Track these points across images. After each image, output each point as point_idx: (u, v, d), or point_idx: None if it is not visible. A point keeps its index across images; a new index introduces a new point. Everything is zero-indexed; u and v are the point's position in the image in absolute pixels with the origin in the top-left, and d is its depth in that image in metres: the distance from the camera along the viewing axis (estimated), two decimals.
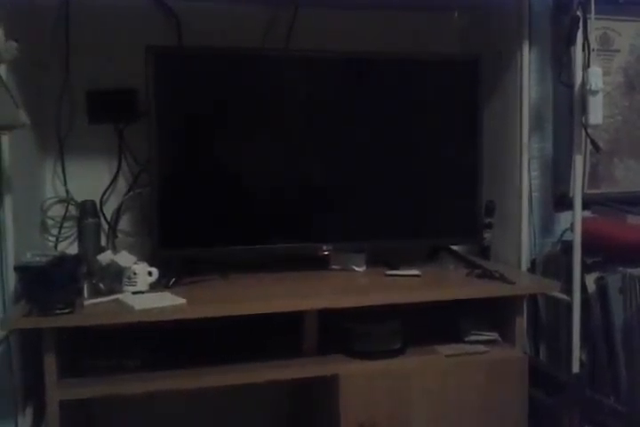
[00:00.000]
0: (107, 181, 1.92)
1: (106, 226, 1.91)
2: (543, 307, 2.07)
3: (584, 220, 1.88)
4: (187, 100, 1.77)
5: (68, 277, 1.52)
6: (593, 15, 1.81)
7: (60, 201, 1.89)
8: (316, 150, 1.88)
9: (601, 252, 1.93)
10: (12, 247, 1.56)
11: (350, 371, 1.62)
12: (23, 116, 1.47)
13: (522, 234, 1.95)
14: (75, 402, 1.53)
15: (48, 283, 1.47)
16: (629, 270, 1.82)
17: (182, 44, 1.91)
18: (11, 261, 1.56)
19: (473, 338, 1.77)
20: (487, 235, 2.02)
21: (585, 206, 1.93)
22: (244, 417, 2.03)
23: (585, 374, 1.88)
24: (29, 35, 1.73)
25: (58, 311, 1.43)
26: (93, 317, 1.47)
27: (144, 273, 1.62)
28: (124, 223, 1.94)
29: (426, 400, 1.66)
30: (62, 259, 1.57)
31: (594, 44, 1.84)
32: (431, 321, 1.82)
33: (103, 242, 1.85)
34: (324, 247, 1.85)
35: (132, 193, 1.93)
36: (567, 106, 2.02)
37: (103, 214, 1.90)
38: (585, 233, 1.86)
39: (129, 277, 1.60)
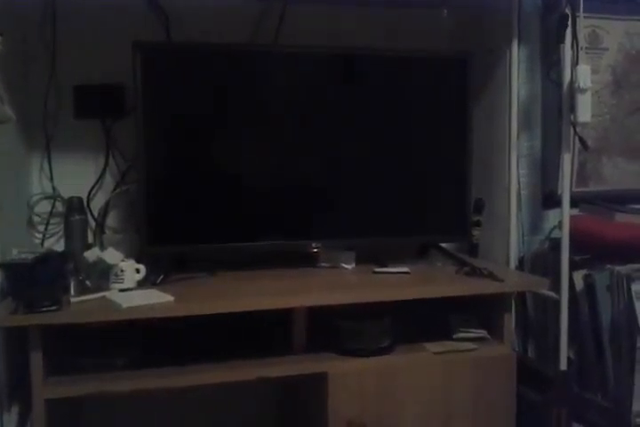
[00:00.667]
0: (94, 177, 1.91)
1: (93, 223, 1.89)
2: (531, 304, 2.07)
3: (572, 218, 1.89)
4: (174, 97, 1.76)
5: (54, 275, 1.52)
6: (582, 13, 1.82)
7: (47, 197, 1.88)
8: (304, 148, 1.87)
9: (589, 249, 1.94)
10: None
11: (339, 369, 1.62)
12: (9, 112, 1.46)
13: (510, 232, 1.96)
14: (62, 400, 1.51)
15: (34, 280, 1.46)
16: (617, 268, 1.83)
17: (170, 40, 1.90)
18: None
19: (461, 335, 1.78)
20: (476, 233, 2.03)
21: (573, 204, 1.93)
22: (233, 415, 2.03)
23: (573, 371, 1.89)
24: (16, 29, 1.71)
25: (44, 309, 1.42)
26: (80, 314, 1.46)
27: (131, 270, 1.61)
28: (111, 220, 1.93)
29: (414, 398, 1.66)
30: (48, 256, 1.56)
31: (582, 43, 1.85)
32: (420, 319, 1.82)
33: (90, 239, 1.84)
34: (314, 245, 1.85)
35: (119, 190, 1.92)
36: (556, 104, 2.02)
37: (90, 211, 1.88)
38: (573, 231, 1.86)
39: (116, 275, 1.59)
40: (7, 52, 1.48)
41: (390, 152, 1.91)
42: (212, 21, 1.92)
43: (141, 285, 1.63)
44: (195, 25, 1.90)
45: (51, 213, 1.87)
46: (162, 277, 1.68)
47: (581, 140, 1.93)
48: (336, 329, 1.70)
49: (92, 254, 1.59)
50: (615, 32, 2.25)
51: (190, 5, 1.91)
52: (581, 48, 1.83)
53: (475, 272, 1.78)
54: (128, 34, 1.77)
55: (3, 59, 1.52)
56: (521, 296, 2.06)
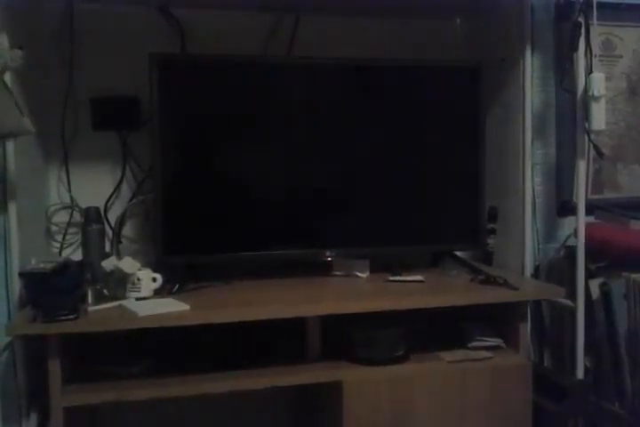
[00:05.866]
0: (111, 187, 1.93)
1: (110, 232, 1.91)
2: (547, 313, 2.06)
3: (587, 225, 1.88)
4: (190, 108, 1.78)
5: (72, 284, 1.53)
6: (595, 21, 1.82)
7: (65, 207, 1.90)
8: (318, 157, 1.88)
9: (604, 257, 1.93)
10: (16, 253, 1.57)
11: (354, 377, 1.62)
12: (28, 124, 1.48)
13: (525, 240, 1.95)
14: (79, 407, 1.53)
15: (52, 289, 1.48)
16: (633, 276, 1.82)
17: (185, 52, 1.92)
18: (15, 268, 1.57)
19: (476, 344, 1.77)
20: (490, 241, 2.02)
21: (588, 212, 1.93)
22: (247, 422, 2.03)
23: (589, 379, 1.88)
24: (34, 43, 1.74)
25: (62, 317, 1.43)
26: (97, 323, 1.47)
27: (148, 279, 1.63)
28: (128, 229, 1.95)
29: (429, 407, 1.65)
30: (66, 265, 1.57)
31: (596, 50, 1.85)
32: (434, 327, 1.82)
33: (107, 248, 1.86)
34: (328, 253, 1.86)
35: (135, 200, 1.94)
36: (570, 112, 2.03)
37: (107, 221, 1.90)
38: (588, 239, 1.86)
39: (133, 284, 1.61)
40: (26, 65, 1.51)
41: (404, 161, 1.92)
42: (226, 33, 1.94)
43: (158, 293, 1.64)
44: (209, 37, 1.93)
45: (68, 223, 1.90)
46: (178, 286, 1.69)
47: (596, 148, 1.93)
48: (350, 338, 1.70)
49: (109, 264, 1.61)
50: (629, 39, 2.25)
51: (205, 17, 1.94)
52: (595, 56, 1.83)
53: (490, 281, 1.77)
54: (144, 46, 1.80)
55: (22, 72, 1.55)
56: (536, 305, 2.06)
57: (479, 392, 1.68)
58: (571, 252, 1.96)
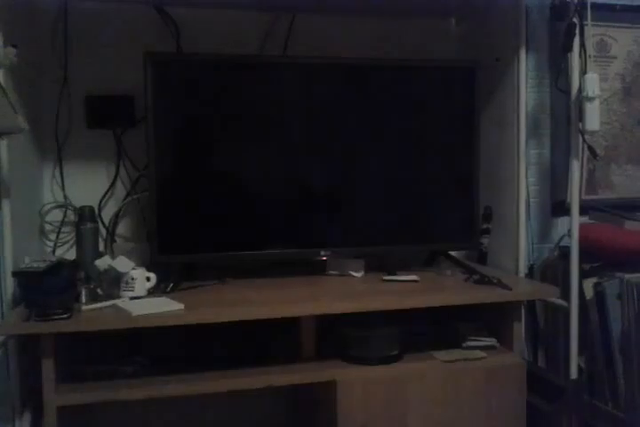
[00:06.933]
0: (105, 186, 1.93)
1: (104, 231, 1.91)
2: (541, 313, 2.07)
3: (582, 226, 1.88)
4: (184, 106, 1.78)
5: (65, 283, 1.53)
6: (590, 22, 1.82)
7: (59, 206, 1.90)
8: (313, 156, 1.88)
9: (599, 258, 1.93)
10: (10, 252, 1.56)
11: (348, 377, 1.62)
12: (22, 122, 1.48)
13: (519, 240, 1.95)
14: (73, 407, 1.52)
15: (46, 288, 1.48)
16: (627, 276, 1.82)
17: (181, 51, 1.92)
18: (9, 267, 1.56)
19: (471, 344, 1.77)
20: (485, 241, 2.03)
21: (582, 212, 1.93)
22: (243, 421, 2.03)
23: (583, 379, 1.88)
24: (28, 41, 1.74)
25: (55, 317, 1.43)
26: (91, 322, 1.47)
27: (142, 278, 1.62)
28: (122, 228, 1.95)
29: (423, 406, 1.66)
30: (60, 264, 1.57)
31: (590, 51, 1.85)
32: (429, 327, 1.82)
33: (101, 247, 1.86)
34: (322, 253, 1.86)
35: (130, 198, 1.94)
36: (564, 112, 2.03)
37: (101, 220, 1.90)
38: (582, 239, 1.86)
39: (127, 283, 1.60)
40: (20, 63, 1.50)
41: (399, 160, 1.92)
42: (222, 32, 1.94)
43: (152, 293, 1.64)
44: (205, 36, 1.93)
45: (62, 222, 1.89)
46: (172, 285, 1.69)
47: (590, 149, 1.93)
48: (345, 337, 1.70)
49: (103, 263, 1.61)
50: (624, 40, 2.25)
51: (200, 16, 1.94)
52: (589, 56, 1.83)
53: (484, 280, 1.78)
54: (139, 44, 1.80)
55: (16, 70, 1.55)
56: (530, 305, 2.06)
57: (473, 392, 1.69)
58: (565, 252, 1.96)
